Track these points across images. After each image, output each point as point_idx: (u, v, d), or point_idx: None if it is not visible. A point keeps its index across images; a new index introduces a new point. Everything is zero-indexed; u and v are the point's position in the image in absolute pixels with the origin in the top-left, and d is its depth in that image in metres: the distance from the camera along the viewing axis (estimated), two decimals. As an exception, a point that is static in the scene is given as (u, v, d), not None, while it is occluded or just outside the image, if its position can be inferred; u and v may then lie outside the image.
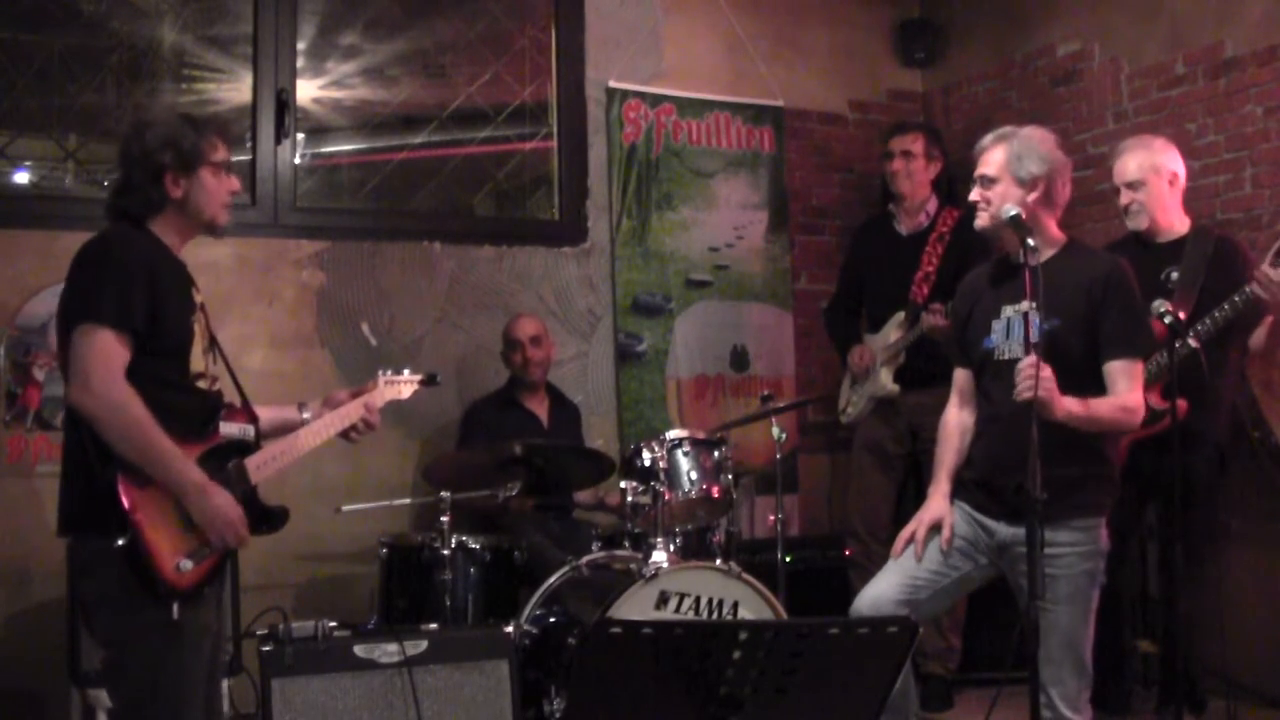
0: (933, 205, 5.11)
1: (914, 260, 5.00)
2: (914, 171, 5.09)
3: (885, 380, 4.99)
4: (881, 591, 3.29)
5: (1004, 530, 3.20)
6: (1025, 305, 3.16)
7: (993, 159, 3.26)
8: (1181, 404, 3.77)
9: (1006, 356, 3.25)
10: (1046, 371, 2.93)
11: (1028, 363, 2.94)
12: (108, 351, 2.69)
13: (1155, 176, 4.12)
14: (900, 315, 4.97)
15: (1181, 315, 3.84)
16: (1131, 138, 4.33)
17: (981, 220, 3.30)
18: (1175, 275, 4.05)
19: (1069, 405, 2.99)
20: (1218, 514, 4.34)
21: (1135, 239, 4.23)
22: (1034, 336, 3.01)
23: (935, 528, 3.33)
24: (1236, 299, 3.84)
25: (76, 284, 2.79)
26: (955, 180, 5.44)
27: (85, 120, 4.87)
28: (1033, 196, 3.19)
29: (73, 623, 3.72)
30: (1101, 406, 3.08)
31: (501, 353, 4.89)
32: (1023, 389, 2.94)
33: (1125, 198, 4.17)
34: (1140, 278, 3.92)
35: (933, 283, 4.93)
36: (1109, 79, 5.28)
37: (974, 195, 3.30)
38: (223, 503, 2.79)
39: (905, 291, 4.97)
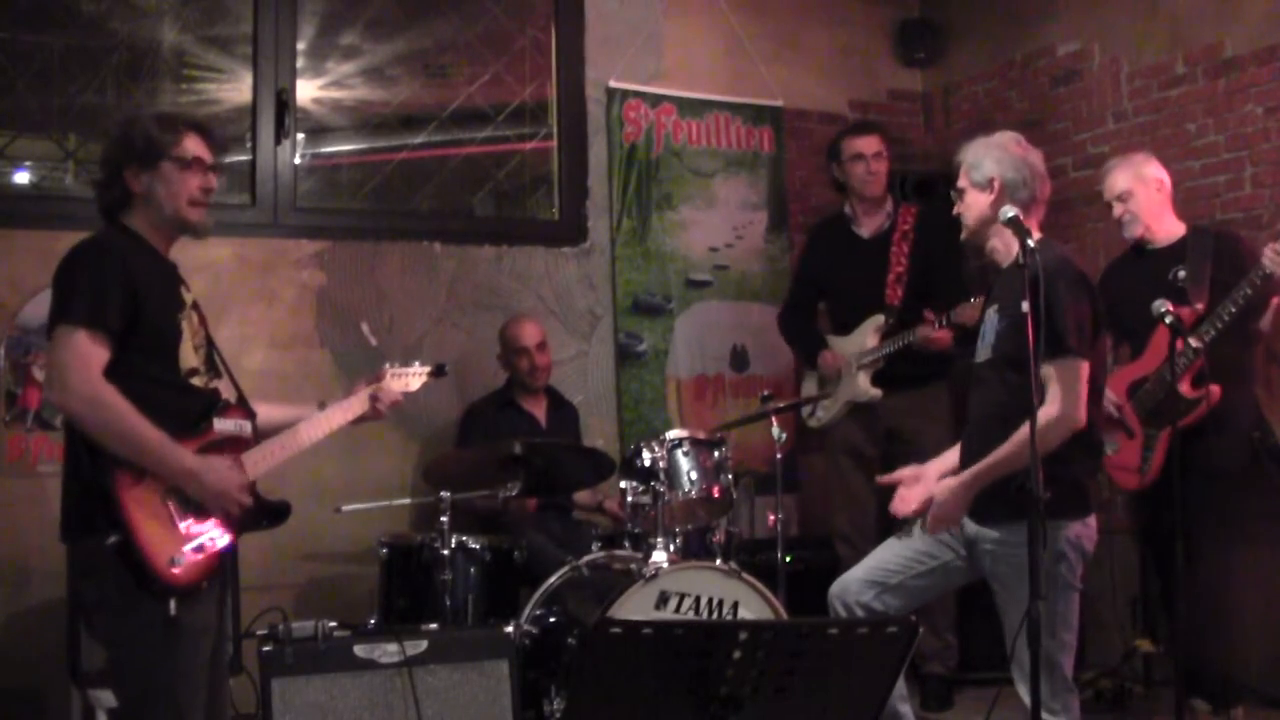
0: (889, 204, 5.06)
1: (881, 262, 4.92)
2: (881, 173, 5.00)
3: (865, 385, 4.89)
4: (850, 574, 3.41)
5: (970, 527, 3.26)
6: (991, 310, 3.29)
7: (960, 171, 3.33)
8: (1216, 388, 3.95)
9: (979, 359, 3.33)
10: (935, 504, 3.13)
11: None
12: (83, 351, 2.70)
13: (1141, 185, 4.25)
14: (879, 319, 4.88)
15: (1200, 306, 3.99)
16: (1115, 158, 4.44)
17: (963, 233, 3.38)
18: (1183, 274, 4.13)
19: (961, 499, 3.14)
20: (1251, 502, 4.22)
21: (1135, 249, 4.35)
22: (995, 340, 3.08)
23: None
24: (1254, 277, 3.92)
25: (56, 288, 2.81)
26: (954, 181, 5.43)
27: (85, 120, 4.86)
28: (991, 198, 3.22)
29: (73, 623, 3.72)
30: (1000, 459, 3.09)
31: (500, 356, 4.88)
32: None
33: (1117, 210, 4.30)
34: (1145, 283, 4.08)
35: (905, 283, 4.87)
36: (1109, 79, 5.28)
37: (955, 209, 3.38)
38: (218, 477, 2.79)
39: (878, 294, 4.90)
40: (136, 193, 2.88)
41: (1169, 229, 4.26)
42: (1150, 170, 4.27)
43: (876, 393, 4.88)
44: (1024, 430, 2.92)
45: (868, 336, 4.91)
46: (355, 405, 3.26)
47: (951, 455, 3.49)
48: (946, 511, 3.18)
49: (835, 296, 5.17)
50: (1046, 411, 3.05)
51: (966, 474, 3.16)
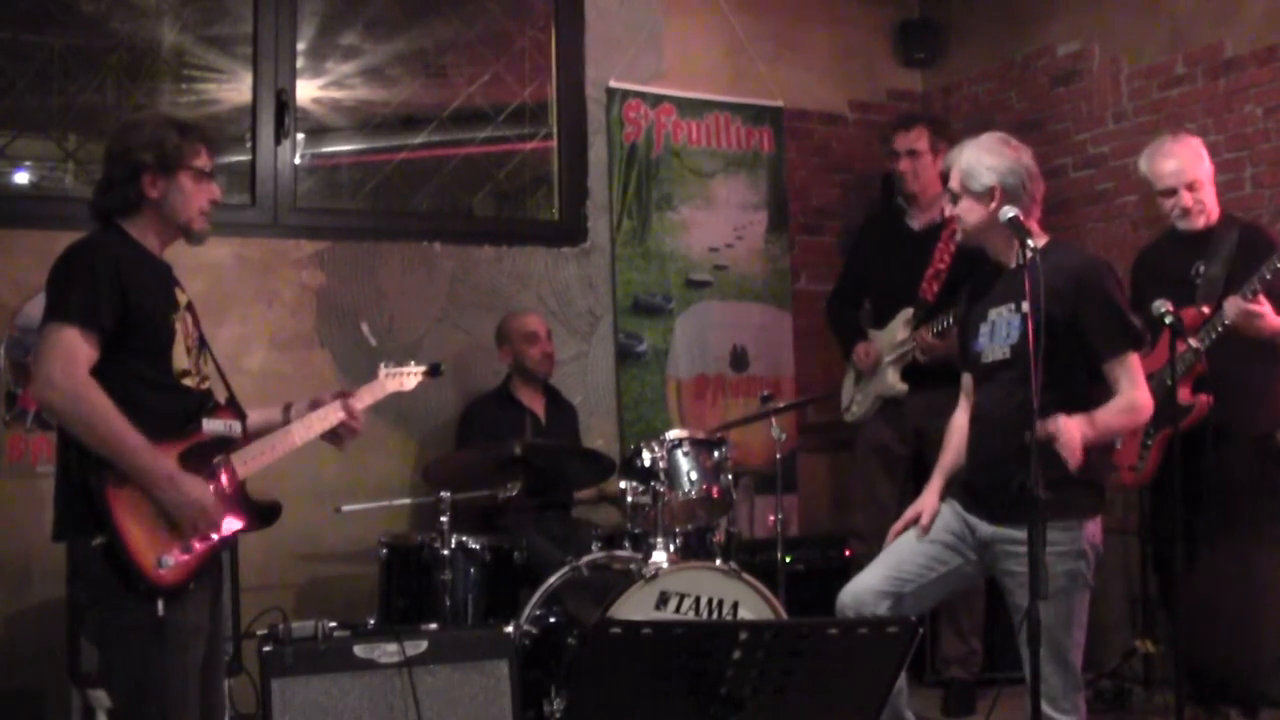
0: (945, 199, 5.05)
1: (925, 256, 4.89)
2: (922, 169, 4.98)
3: (893, 379, 4.90)
4: (863, 583, 3.34)
5: (984, 528, 3.24)
6: (1005, 309, 3.24)
7: (954, 175, 3.31)
8: (1205, 398, 3.93)
9: (990, 359, 3.29)
10: (1064, 433, 2.96)
11: (1045, 432, 2.95)
12: (70, 348, 2.71)
13: (1206, 175, 4.14)
14: (909, 312, 4.87)
15: (1206, 310, 3.94)
16: (1167, 138, 4.28)
17: (958, 235, 3.37)
18: (1202, 270, 4.06)
19: (1084, 434, 3.01)
20: (1261, 509, 4.18)
21: (1169, 235, 4.26)
22: (1029, 340, 3.01)
23: (918, 522, 3.40)
24: (1219, 322, 3.89)
25: (50, 287, 2.81)
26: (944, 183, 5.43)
27: (85, 120, 4.87)
28: (992, 206, 3.20)
29: (73, 623, 3.72)
30: (1110, 419, 3.10)
31: (506, 346, 4.86)
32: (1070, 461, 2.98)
33: (1187, 199, 4.11)
34: (1171, 272, 4.06)
35: (943, 280, 4.83)
36: (1109, 79, 5.28)
37: (947, 212, 3.37)
38: (192, 491, 2.78)
39: (914, 288, 4.89)
40: (151, 199, 2.89)
41: (1211, 218, 4.16)
42: (1207, 158, 4.15)
43: (903, 387, 4.88)
44: (1123, 400, 3.10)
45: (898, 330, 4.91)
46: (329, 414, 3.17)
47: (939, 481, 3.47)
48: (1072, 440, 3.01)
49: (876, 288, 5.16)
50: (1128, 396, 3.11)
51: (1087, 419, 3.03)
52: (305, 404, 3.23)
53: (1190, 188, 4.11)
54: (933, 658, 4.87)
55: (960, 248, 4.81)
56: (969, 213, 3.28)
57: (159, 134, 2.90)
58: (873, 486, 5.04)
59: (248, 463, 2.97)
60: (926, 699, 4.72)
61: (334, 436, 3.21)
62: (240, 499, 2.94)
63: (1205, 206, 4.12)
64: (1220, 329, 3.91)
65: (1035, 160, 3.29)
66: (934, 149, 4.99)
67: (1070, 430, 2.99)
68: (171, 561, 2.75)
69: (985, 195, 3.23)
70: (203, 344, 3.01)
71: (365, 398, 3.30)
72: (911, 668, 3.15)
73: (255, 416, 3.13)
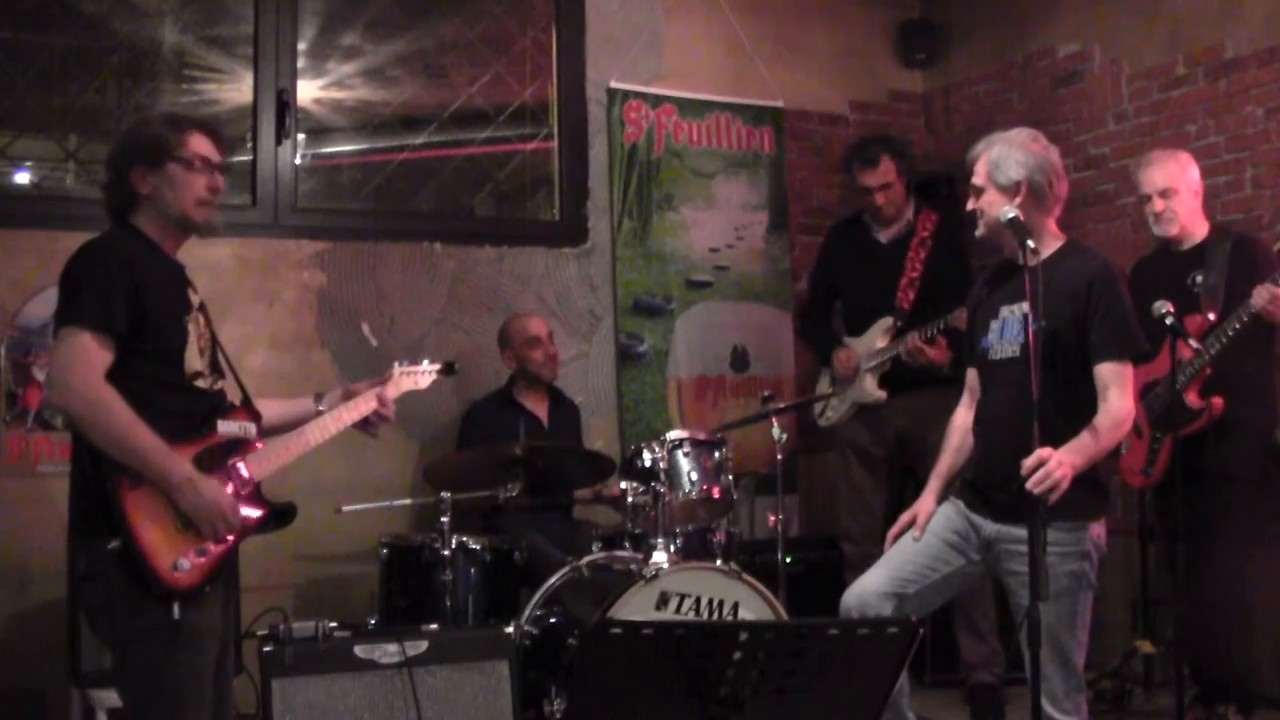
0: (910, 210, 5.03)
1: (897, 266, 4.91)
2: (896, 196, 4.98)
3: (871, 387, 4.89)
4: (868, 585, 3.32)
5: (989, 527, 3.24)
6: (1017, 307, 3.21)
7: (978, 168, 3.29)
8: (1218, 401, 3.99)
9: (999, 356, 3.28)
10: (1051, 461, 2.91)
11: (1029, 464, 2.91)
12: (86, 352, 2.69)
13: (1185, 185, 4.22)
14: (888, 320, 4.88)
15: (1212, 316, 4.00)
16: (1156, 150, 4.41)
17: (978, 230, 3.34)
18: (1200, 279, 4.12)
19: (1073, 463, 2.96)
20: (1260, 508, 4.15)
21: (1163, 249, 4.33)
22: (1030, 341, 3.01)
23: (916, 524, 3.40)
24: (1243, 314, 3.91)
25: (62, 289, 2.80)
26: (955, 181, 5.44)
27: (85, 120, 4.87)
28: (1017, 200, 3.19)
29: (73, 623, 3.72)
30: (1100, 440, 3.06)
31: (509, 351, 4.86)
32: (1039, 489, 2.90)
33: (1159, 205, 4.22)
34: (1168, 284, 4.07)
35: (918, 289, 4.87)
36: (1110, 80, 5.28)
37: (969, 205, 3.34)
38: (211, 494, 2.77)
39: (890, 297, 4.90)
40: (144, 194, 2.87)
41: (1196, 231, 4.24)
42: (1193, 172, 4.25)
43: (881, 395, 4.89)
44: (1108, 418, 3.05)
45: (877, 338, 4.91)
46: (363, 405, 3.22)
47: (936, 483, 3.47)
48: (1061, 479, 2.92)
49: (849, 298, 5.17)
50: (1113, 411, 3.08)
51: (1072, 453, 2.98)
52: (338, 394, 3.24)
53: (1163, 194, 4.20)
54: (955, 664, 4.80)
55: (931, 256, 4.87)
56: (992, 206, 3.24)
57: (143, 129, 2.90)
58: (857, 488, 5.05)
59: (263, 464, 2.96)
60: (945, 702, 4.70)
61: (365, 424, 3.24)
62: (255, 500, 2.93)
63: (1177, 215, 4.20)
64: (1232, 332, 3.92)
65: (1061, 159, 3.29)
66: (900, 170, 4.97)
67: (1061, 462, 2.94)
68: (188, 565, 2.74)
69: (1011, 189, 3.21)
70: (216, 345, 3.01)
71: (392, 390, 3.32)
72: (911, 668, 3.15)
73: (285, 407, 3.14)
